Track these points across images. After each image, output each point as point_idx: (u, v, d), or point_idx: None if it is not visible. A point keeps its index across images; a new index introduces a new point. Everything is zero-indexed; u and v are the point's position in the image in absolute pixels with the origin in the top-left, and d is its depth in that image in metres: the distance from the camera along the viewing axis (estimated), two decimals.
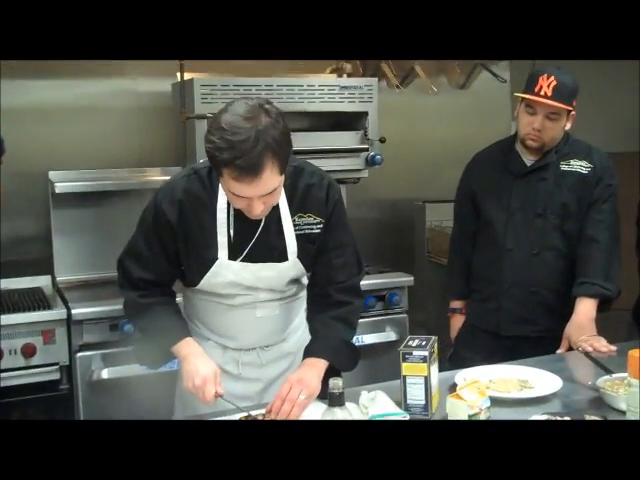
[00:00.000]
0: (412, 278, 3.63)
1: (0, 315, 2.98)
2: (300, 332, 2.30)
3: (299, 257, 2.13)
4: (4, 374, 2.95)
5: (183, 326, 2.16)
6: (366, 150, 3.61)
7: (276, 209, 2.05)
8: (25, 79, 3.48)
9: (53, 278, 3.55)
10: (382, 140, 3.63)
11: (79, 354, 3.07)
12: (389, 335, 3.49)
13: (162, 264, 2.12)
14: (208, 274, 2.09)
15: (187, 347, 2.09)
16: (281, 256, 2.11)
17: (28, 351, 2.98)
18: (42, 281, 3.54)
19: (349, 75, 3.83)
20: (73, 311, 3.07)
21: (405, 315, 3.60)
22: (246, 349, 2.21)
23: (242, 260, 2.08)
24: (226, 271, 2.08)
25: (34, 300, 3.23)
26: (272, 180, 1.85)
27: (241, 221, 2.03)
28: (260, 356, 2.22)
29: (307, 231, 2.12)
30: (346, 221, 2.23)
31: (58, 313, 3.08)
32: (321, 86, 3.50)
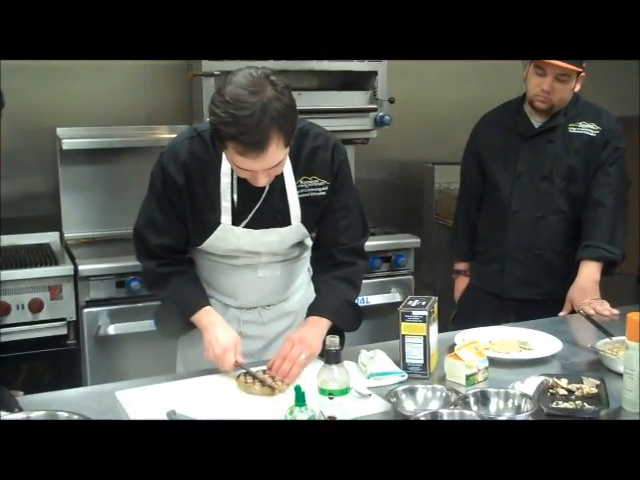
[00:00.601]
0: (419, 240, 3.63)
1: (8, 270, 3.01)
2: (302, 292, 2.31)
3: (302, 221, 2.12)
4: (12, 328, 2.98)
5: (202, 295, 2.16)
6: (375, 110, 3.59)
7: (281, 175, 2.03)
8: None
9: (61, 234, 3.57)
10: (391, 100, 3.60)
11: (86, 310, 3.09)
12: (394, 296, 3.50)
13: (177, 228, 2.11)
14: (211, 237, 2.09)
15: (207, 316, 2.10)
16: (284, 220, 2.10)
17: (35, 306, 3.01)
18: (50, 237, 3.56)
19: None
20: (80, 267, 3.09)
21: (411, 277, 3.61)
22: (247, 308, 2.22)
23: (245, 226, 2.07)
24: (229, 236, 2.08)
25: (42, 256, 3.25)
26: (277, 154, 1.83)
27: (245, 186, 2.01)
28: (261, 315, 2.23)
29: (312, 194, 2.11)
30: (351, 183, 2.22)
31: (65, 269, 3.10)
32: None
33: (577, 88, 2.70)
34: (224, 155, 1.98)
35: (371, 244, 3.49)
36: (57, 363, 3.10)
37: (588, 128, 2.70)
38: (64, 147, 3.37)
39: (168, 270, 2.14)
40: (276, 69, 3.44)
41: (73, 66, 3.57)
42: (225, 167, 2.02)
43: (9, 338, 2.95)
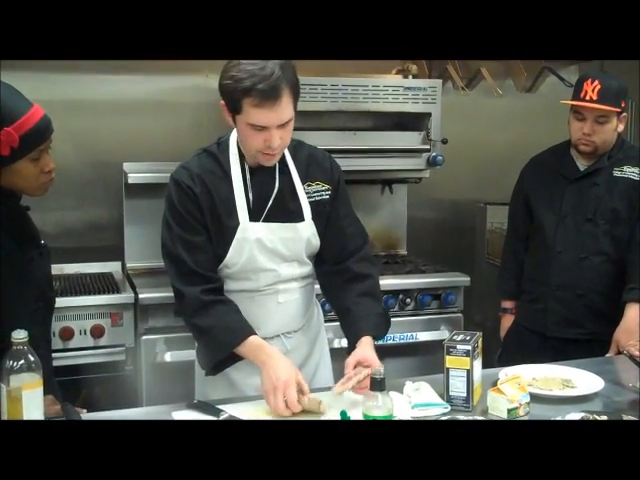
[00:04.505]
0: (468, 278, 3.66)
1: (72, 297, 3.16)
2: (315, 317, 2.40)
3: (313, 219, 2.23)
4: (74, 353, 3.11)
5: (247, 324, 2.13)
6: (428, 151, 3.66)
7: (288, 176, 2.20)
8: (105, 74, 3.65)
9: (123, 264, 3.72)
10: (444, 141, 3.67)
11: (144, 337, 3.21)
12: (443, 334, 3.50)
13: (201, 241, 2.14)
14: (234, 243, 2.15)
15: (262, 349, 2.08)
16: (297, 217, 2.22)
17: (97, 332, 3.15)
18: (113, 267, 3.72)
19: (414, 76, 3.87)
20: (140, 296, 3.21)
21: (460, 315, 3.64)
22: (271, 337, 2.26)
23: (262, 221, 2.17)
24: (250, 234, 2.16)
25: (105, 284, 3.40)
26: (288, 109, 1.98)
27: (257, 187, 2.16)
28: (285, 343, 2.29)
29: (317, 198, 2.25)
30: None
31: (126, 297, 3.23)
32: (386, 87, 3.56)
33: (620, 128, 2.76)
34: (232, 162, 2.15)
35: (421, 281, 3.57)
36: (115, 388, 3.18)
37: (632, 172, 2.76)
38: (129, 181, 3.51)
39: (212, 298, 2.14)
40: (333, 110, 3.55)
41: (141, 104, 3.77)
42: (235, 171, 2.15)
43: (71, 362, 3.07)
